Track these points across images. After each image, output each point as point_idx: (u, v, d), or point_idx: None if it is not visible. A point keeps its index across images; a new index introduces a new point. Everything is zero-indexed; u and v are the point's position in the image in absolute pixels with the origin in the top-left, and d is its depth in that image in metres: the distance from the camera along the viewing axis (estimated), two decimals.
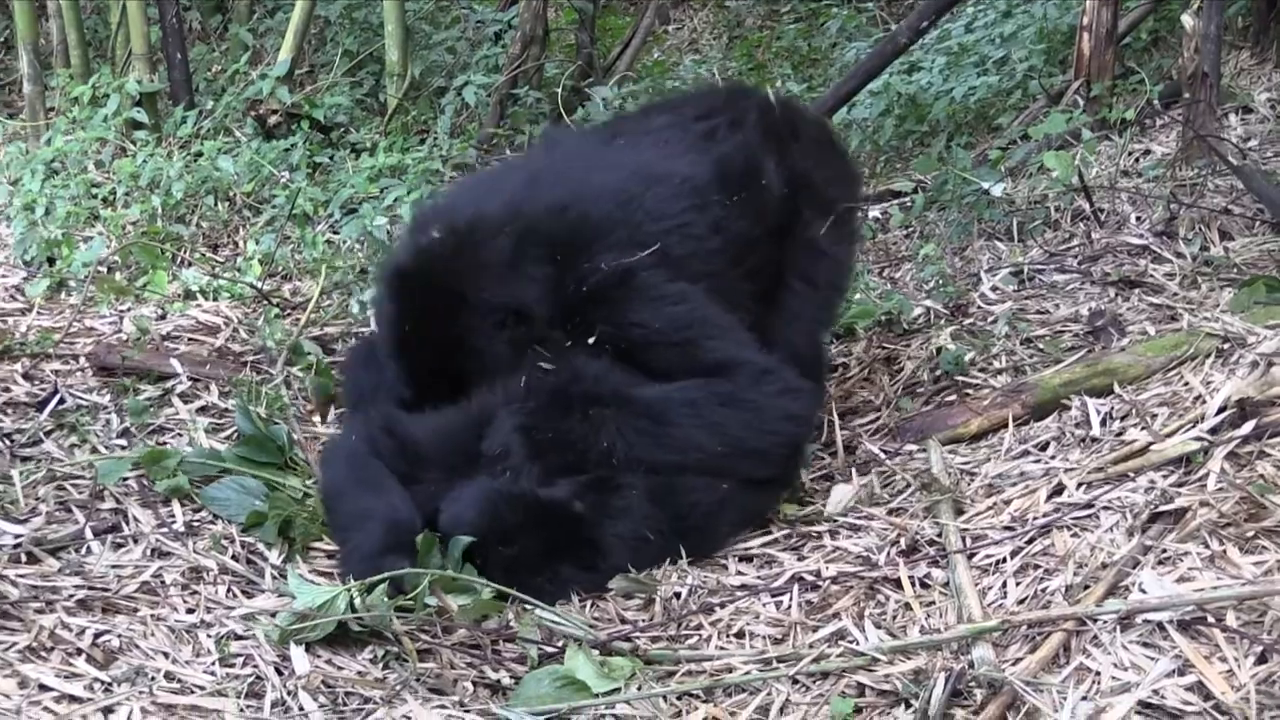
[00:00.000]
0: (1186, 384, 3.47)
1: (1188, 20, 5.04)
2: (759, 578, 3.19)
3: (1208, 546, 2.82)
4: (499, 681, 2.77)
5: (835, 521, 3.38)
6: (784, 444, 3.42)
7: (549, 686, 2.71)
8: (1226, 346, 3.53)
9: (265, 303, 4.46)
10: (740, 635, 2.95)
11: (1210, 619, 2.60)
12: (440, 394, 3.40)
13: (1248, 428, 3.12)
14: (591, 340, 3.35)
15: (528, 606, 2.98)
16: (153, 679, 2.61)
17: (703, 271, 3.53)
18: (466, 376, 3.39)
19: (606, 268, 3.37)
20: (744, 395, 3.36)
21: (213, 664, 2.70)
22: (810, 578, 3.13)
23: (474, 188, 4.15)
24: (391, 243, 4.84)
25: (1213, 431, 3.17)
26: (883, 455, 3.68)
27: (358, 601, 2.81)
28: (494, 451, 3.20)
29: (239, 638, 2.80)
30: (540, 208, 3.51)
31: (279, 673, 2.69)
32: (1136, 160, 5.36)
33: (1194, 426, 3.22)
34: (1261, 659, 2.50)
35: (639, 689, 2.72)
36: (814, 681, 2.71)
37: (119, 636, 2.72)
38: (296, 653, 2.74)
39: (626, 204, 3.54)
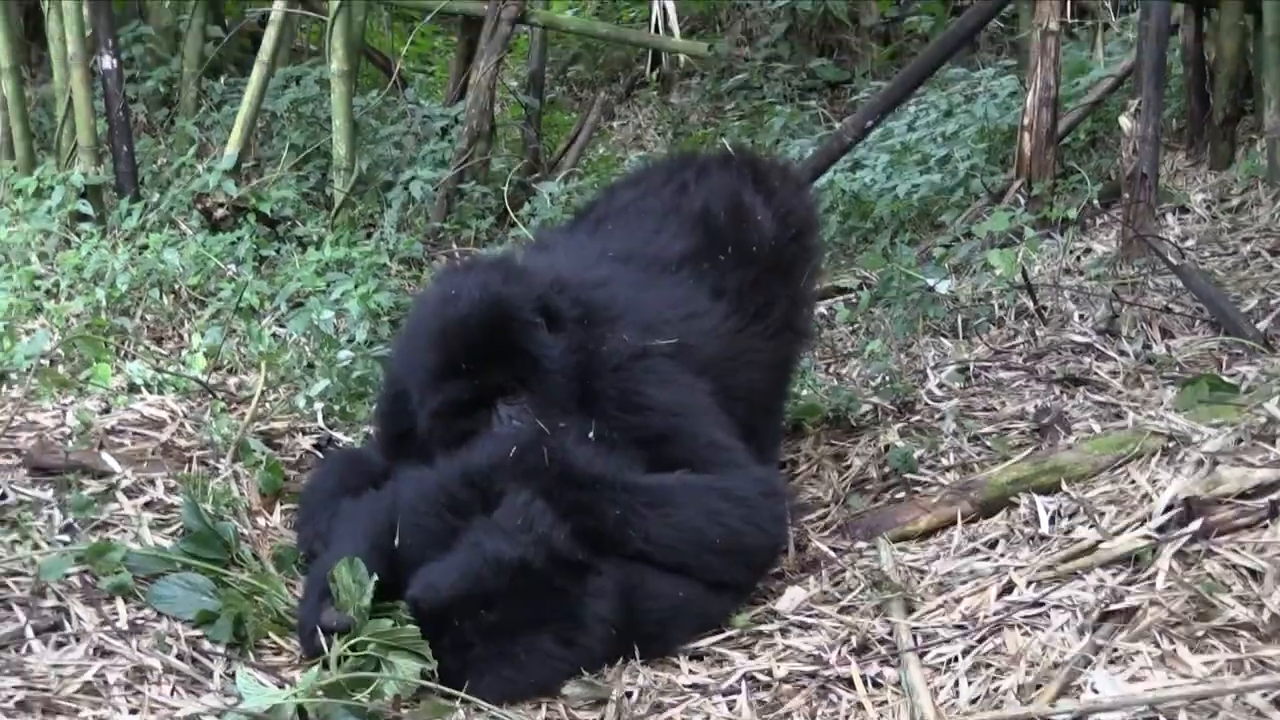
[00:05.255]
0: (1133, 482, 3.49)
1: (1125, 122, 5.14)
2: (710, 677, 3.16)
3: (1158, 646, 2.83)
4: None
5: (786, 620, 3.37)
6: (770, 547, 3.45)
7: None
8: (1172, 445, 3.56)
9: (211, 397, 4.42)
10: None
11: (1162, 719, 2.61)
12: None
13: (1195, 526, 3.15)
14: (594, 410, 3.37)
15: (480, 708, 2.94)
16: None
17: (711, 355, 3.60)
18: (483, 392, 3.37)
19: (628, 340, 3.43)
20: (740, 492, 3.35)
21: None
22: (762, 677, 3.11)
23: None
24: (338, 337, 4.83)
25: (1160, 530, 3.19)
26: (832, 553, 3.67)
27: (307, 706, 2.77)
28: (511, 521, 3.14)
29: None
30: (573, 277, 3.59)
31: None
32: (1078, 259, 5.44)
33: (1141, 525, 3.24)
34: None
35: None
36: None
37: None
38: None
39: (640, 288, 3.64)
